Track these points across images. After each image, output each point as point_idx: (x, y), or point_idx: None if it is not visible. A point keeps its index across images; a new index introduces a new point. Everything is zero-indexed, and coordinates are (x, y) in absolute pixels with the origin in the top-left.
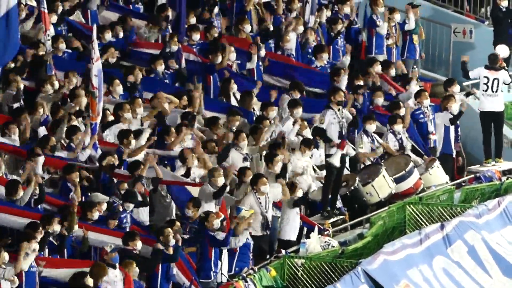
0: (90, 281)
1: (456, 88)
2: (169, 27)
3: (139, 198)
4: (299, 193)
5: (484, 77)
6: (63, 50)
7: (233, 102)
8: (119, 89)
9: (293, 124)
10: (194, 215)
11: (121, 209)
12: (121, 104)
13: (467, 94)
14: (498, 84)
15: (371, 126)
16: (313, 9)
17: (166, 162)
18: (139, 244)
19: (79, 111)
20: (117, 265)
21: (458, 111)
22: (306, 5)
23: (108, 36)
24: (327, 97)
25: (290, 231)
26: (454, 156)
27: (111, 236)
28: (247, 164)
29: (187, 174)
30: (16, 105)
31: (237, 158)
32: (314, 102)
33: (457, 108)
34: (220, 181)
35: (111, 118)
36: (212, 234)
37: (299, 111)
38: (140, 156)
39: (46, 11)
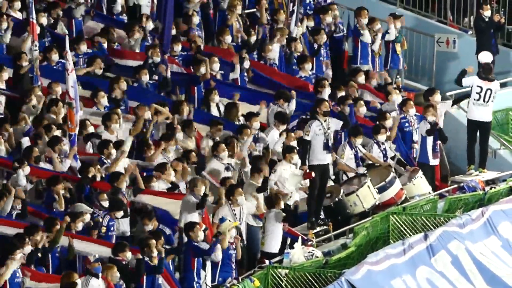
0: None
1: (437, 98)
2: (149, 37)
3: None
4: (281, 205)
5: (478, 86)
6: (57, 60)
7: (215, 112)
8: (104, 101)
9: (280, 135)
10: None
11: (101, 220)
12: (109, 115)
13: (455, 102)
14: (490, 94)
15: (358, 140)
16: (297, 20)
17: (145, 174)
18: (128, 255)
19: (59, 124)
20: (100, 274)
21: (433, 123)
22: (292, 15)
23: (84, 48)
24: (313, 108)
25: (275, 244)
26: (432, 165)
27: (97, 244)
28: (229, 174)
29: (173, 187)
30: None
31: (218, 169)
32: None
33: (434, 118)
34: (202, 191)
35: (91, 128)
36: (196, 244)
37: (283, 127)
38: (121, 167)
39: (35, 21)
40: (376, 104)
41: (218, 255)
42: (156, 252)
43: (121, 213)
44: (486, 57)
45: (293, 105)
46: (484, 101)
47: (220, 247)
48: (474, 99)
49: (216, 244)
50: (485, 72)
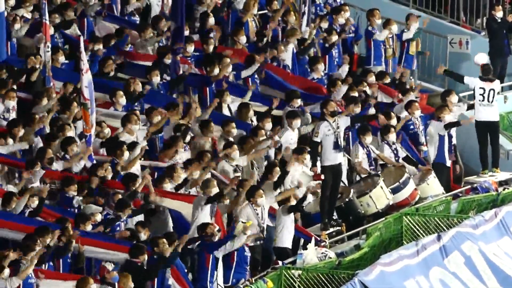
0: None
1: (454, 99)
2: (163, 38)
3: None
4: (293, 202)
5: (480, 88)
6: (62, 62)
7: (226, 113)
8: (122, 100)
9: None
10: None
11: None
12: (128, 116)
13: (470, 107)
14: (494, 94)
15: (368, 138)
16: (308, 21)
17: (156, 174)
18: (145, 257)
19: (73, 119)
20: (116, 284)
21: (456, 121)
22: (303, 16)
23: (99, 47)
24: (320, 110)
25: (286, 239)
26: (448, 165)
27: (108, 249)
28: (238, 175)
29: (182, 185)
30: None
31: (228, 169)
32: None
33: (450, 119)
34: (215, 191)
35: (107, 130)
36: (208, 242)
37: (297, 122)
38: (134, 168)
39: (47, 22)
40: (394, 100)
41: (237, 243)
42: (169, 251)
43: (126, 214)
44: (482, 58)
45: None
46: (488, 101)
47: (244, 237)
48: (479, 101)
49: (227, 238)
50: (485, 73)
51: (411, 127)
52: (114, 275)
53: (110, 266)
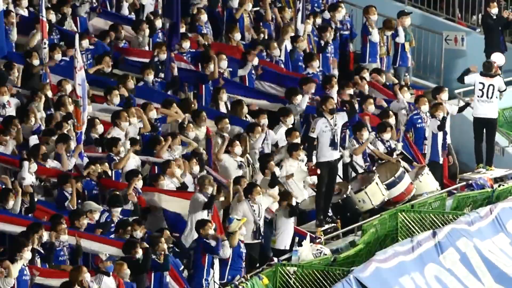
0: None
1: (444, 96)
2: (160, 34)
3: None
4: (293, 201)
5: (480, 83)
6: (59, 59)
7: (223, 111)
8: (116, 100)
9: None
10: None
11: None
12: (118, 112)
13: (465, 106)
14: (493, 90)
15: (365, 134)
16: (303, 18)
17: (157, 170)
18: (139, 252)
19: (67, 114)
20: (111, 273)
21: (442, 116)
22: (298, 13)
23: (86, 43)
24: (319, 106)
25: (286, 240)
26: (441, 163)
27: (104, 244)
28: (241, 171)
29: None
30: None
31: (231, 166)
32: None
33: (443, 115)
34: (211, 189)
35: (100, 126)
36: (206, 240)
37: (291, 119)
38: (133, 165)
39: (44, 19)
40: (382, 103)
41: (226, 252)
42: (166, 248)
43: (119, 210)
44: (498, 58)
45: (304, 102)
46: (487, 97)
47: (228, 244)
48: (478, 96)
49: (221, 241)
50: (485, 68)
51: (419, 121)
52: (108, 264)
53: (104, 256)
